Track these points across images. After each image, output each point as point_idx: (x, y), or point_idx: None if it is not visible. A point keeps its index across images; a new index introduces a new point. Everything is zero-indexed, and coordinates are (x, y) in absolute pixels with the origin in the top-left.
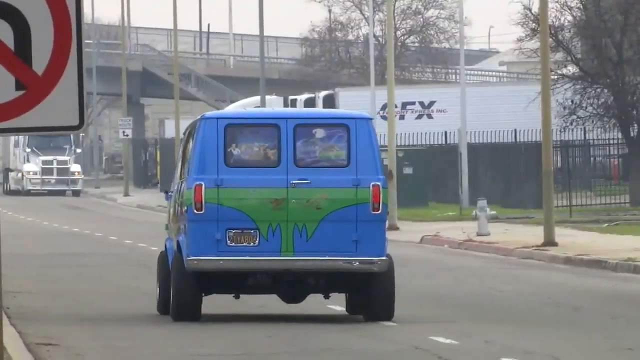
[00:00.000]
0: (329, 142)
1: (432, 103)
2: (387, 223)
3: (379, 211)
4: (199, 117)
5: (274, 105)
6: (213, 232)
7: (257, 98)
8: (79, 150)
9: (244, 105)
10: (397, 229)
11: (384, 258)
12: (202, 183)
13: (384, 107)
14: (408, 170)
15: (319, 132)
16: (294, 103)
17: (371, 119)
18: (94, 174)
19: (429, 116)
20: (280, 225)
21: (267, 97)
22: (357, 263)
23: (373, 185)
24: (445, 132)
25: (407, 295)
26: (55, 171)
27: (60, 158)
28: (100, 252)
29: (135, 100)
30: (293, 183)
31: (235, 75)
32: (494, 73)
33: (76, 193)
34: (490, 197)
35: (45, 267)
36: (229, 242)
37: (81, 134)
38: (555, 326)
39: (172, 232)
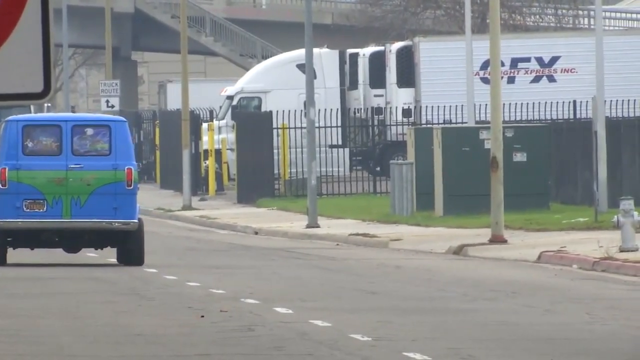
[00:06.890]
0: (96, 138)
1: (554, 59)
2: (138, 195)
3: (132, 187)
4: (4, 120)
5: (327, 62)
6: (14, 202)
7: (301, 52)
8: None
9: (283, 63)
10: (504, 241)
11: (135, 221)
12: (6, 167)
13: (485, 66)
14: (520, 157)
15: (89, 131)
16: (354, 59)
17: (126, 121)
18: None
19: (551, 78)
20: (62, 197)
21: (316, 50)
22: (117, 224)
23: (127, 168)
24: (574, 102)
25: (516, 336)
26: None
27: None
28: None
29: (124, 56)
30: (70, 167)
31: (269, 20)
32: None
33: None
34: (639, 196)
35: None
36: (25, 209)
37: (46, 105)
38: None
39: None
